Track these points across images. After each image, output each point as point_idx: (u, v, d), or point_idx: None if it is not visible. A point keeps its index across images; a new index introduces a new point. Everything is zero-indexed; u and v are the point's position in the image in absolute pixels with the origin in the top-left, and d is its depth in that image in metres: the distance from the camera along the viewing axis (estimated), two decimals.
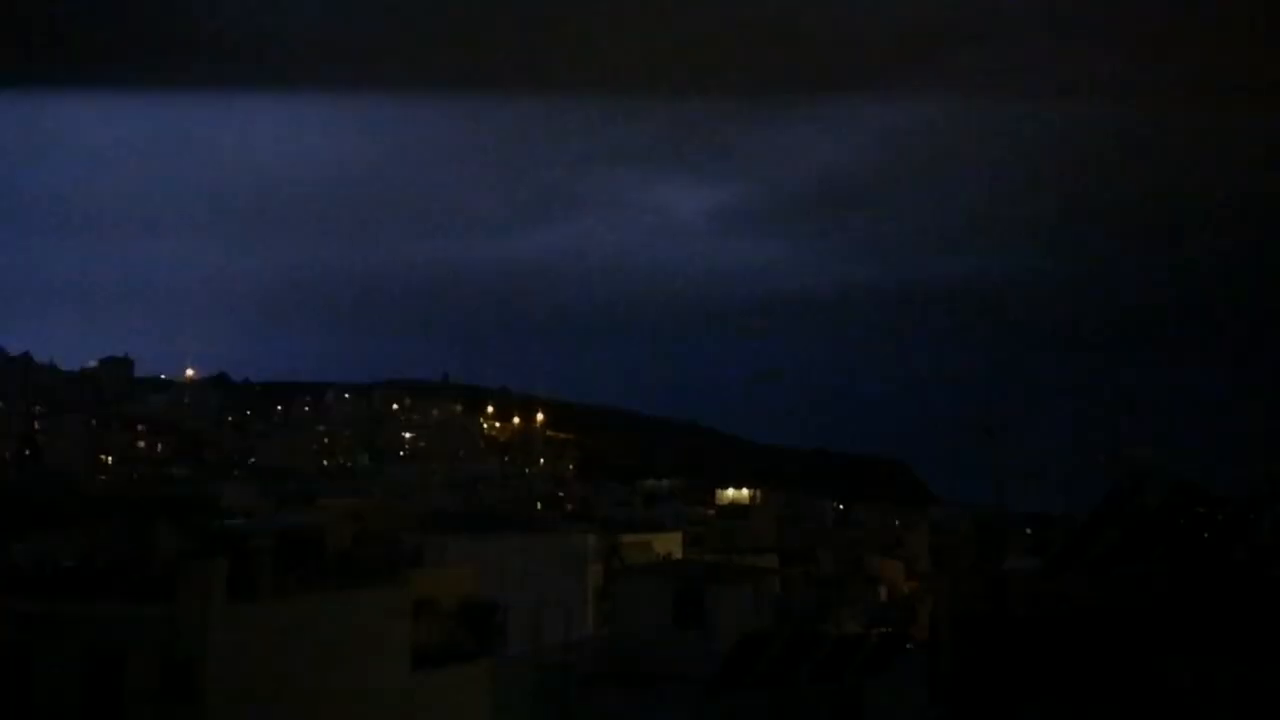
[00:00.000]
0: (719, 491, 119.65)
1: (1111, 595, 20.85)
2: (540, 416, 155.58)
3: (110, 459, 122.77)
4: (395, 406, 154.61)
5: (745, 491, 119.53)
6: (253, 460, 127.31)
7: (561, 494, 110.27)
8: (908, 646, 36.60)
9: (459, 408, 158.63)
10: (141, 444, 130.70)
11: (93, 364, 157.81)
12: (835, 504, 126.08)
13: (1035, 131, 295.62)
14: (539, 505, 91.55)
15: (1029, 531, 65.59)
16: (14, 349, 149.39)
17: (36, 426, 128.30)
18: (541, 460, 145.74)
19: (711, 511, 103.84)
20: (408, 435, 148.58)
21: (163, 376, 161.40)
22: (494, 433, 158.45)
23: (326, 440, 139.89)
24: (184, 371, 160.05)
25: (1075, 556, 22.52)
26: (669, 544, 51.34)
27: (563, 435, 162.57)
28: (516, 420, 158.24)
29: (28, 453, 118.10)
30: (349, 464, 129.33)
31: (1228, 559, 22.00)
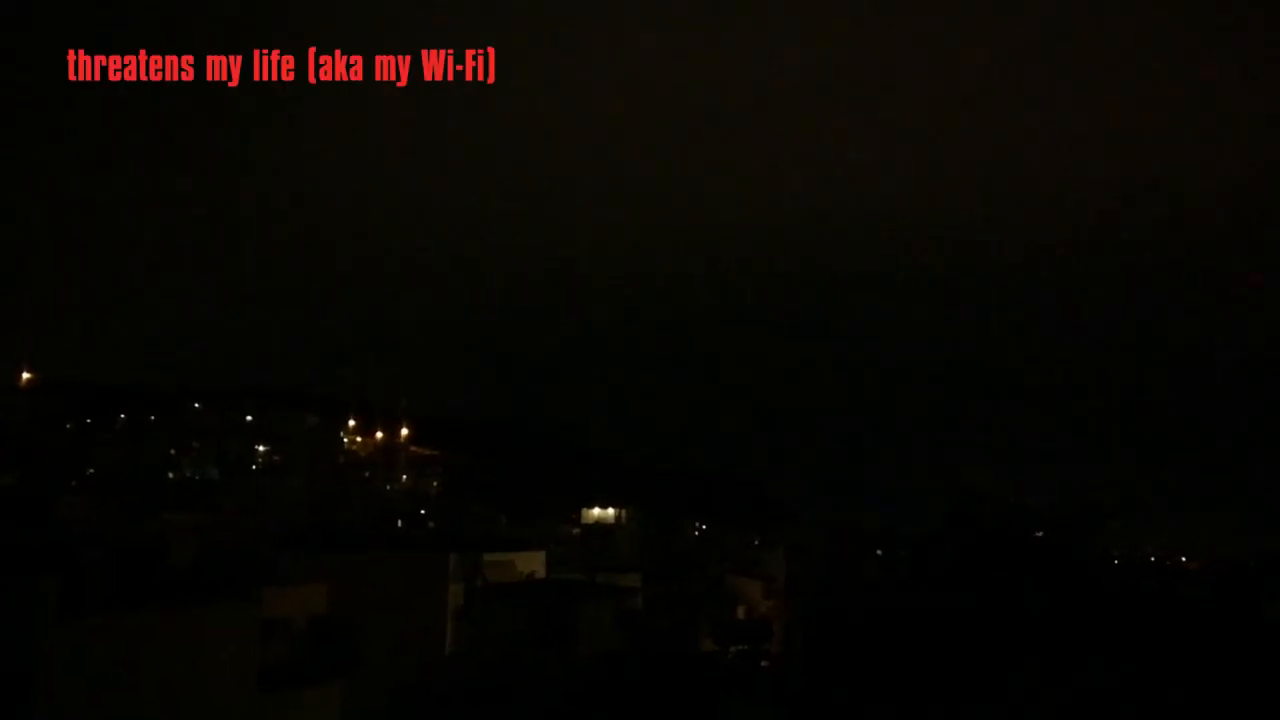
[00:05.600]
0: (584, 510, 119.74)
1: (953, 608, 21.99)
2: (405, 431, 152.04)
3: None
4: (249, 417, 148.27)
5: (610, 510, 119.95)
6: (91, 471, 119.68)
7: (424, 511, 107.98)
8: (763, 664, 37.57)
9: (315, 419, 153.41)
10: None
11: None
12: (697, 523, 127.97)
13: None
14: (399, 523, 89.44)
15: (880, 553, 68.48)
16: None
17: None
18: (404, 476, 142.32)
19: (577, 530, 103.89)
20: (262, 448, 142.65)
21: None
22: (355, 447, 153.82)
23: (173, 451, 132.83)
24: (18, 373, 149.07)
25: (919, 572, 23.67)
26: (532, 563, 51.02)
27: (428, 451, 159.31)
28: (379, 435, 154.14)
29: None
30: (197, 477, 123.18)
31: (1057, 575, 23.53)
